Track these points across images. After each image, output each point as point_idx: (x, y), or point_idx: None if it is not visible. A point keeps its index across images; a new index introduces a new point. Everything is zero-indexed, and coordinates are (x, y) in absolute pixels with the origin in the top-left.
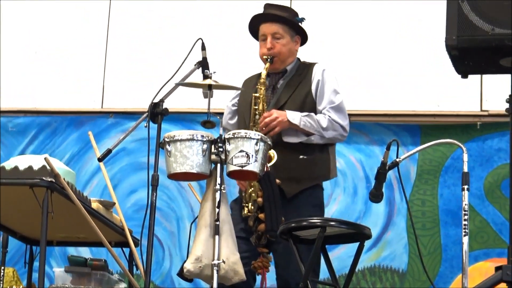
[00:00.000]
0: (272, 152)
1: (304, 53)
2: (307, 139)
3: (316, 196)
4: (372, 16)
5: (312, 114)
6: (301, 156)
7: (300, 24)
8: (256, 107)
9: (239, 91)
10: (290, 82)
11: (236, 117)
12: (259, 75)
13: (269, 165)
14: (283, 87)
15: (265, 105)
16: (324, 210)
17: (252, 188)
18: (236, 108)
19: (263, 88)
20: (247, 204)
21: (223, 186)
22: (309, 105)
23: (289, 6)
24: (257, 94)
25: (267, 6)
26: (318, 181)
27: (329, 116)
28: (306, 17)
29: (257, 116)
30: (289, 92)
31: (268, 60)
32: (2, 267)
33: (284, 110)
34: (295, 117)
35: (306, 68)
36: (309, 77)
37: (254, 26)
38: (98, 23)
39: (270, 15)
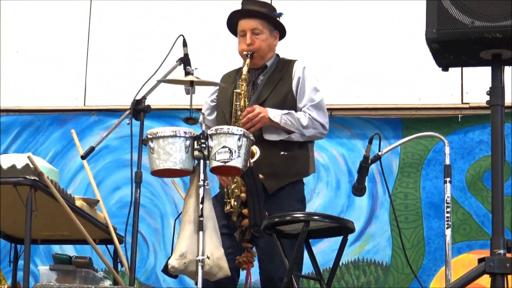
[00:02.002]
0: (255, 148)
1: (286, 49)
2: (287, 137)
3: (298, 190)
4: (354, 12)
5: (293, 112)
6: (282, 153)
7: (278, 19)
8: (238, 103)
9: (217, 87)
10: (270, 78)
11: (215, 113)
12: (238, 70)
13: (252, 161)
14: (264, 82)
15: (246, 101)
16: (306, 204)
17: (235, 184)
18: (215, 104)
19: (244, 84)
20: (229, 200)
21: (206, 182)
22: (289, 102)
23: (270, 3)
24: (238, 90)
25: (245, 1)
26: (298, 177)
27: (310, 115)
28: (287, 14)
29: (238, 112)
30: (270, 88)
31: (248, 56)
32: None
33: (265, 106)
34: (276, 115)
35: (286, 65)
36: (290, 74)
37: (233, 22)
38: (80, 20)
39: (249, 10)
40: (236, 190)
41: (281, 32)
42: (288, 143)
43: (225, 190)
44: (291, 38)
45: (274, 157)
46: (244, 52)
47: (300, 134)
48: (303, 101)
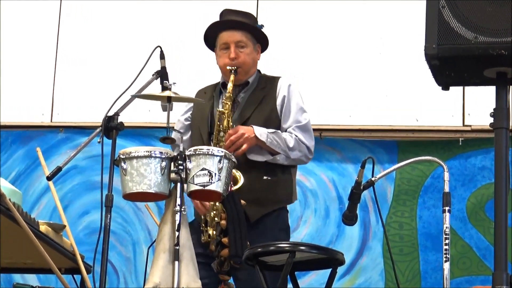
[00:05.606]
0: (239, 174)
1: (272, 64)
2: (272, 158)
3: (282, 219)
4: (347, 26)
5: (279, 132)
6: (265, 177)
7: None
8: (220, 123)
9: (192, 104)
10: (252, 95)
11: (189, 133)
12: (215, 86)
13: (235, 188)
14: (245, 100)
15: (230, 121)
16: (290, 234)
17: (215, 212)
18: (189, 122)
19: (229, 103)
20: (206, 229)
21: (183, 207)
22: (274, 121)
23: (255, 14)
24: (222, 109)
25: (226, 12)
26: (282, 204)
27: (296, 136)
28: (276, 29)
29: (221, 133)
30: (252, 106)
31: (233, 71)
32: None
33: (248, 125)
34: (262, 133)
35: (269, 82)
36: (274, 91)
37: (212, 34)
38: (47, 31)
39: (233, 21)
40: (216, 218)
41: (263, 45)
42: (272, 168)
43: (202, 217)
44: (280, 53)
45: (257, 182)
46: (228, 67)
47: (286, 156)
48: (288, 122)
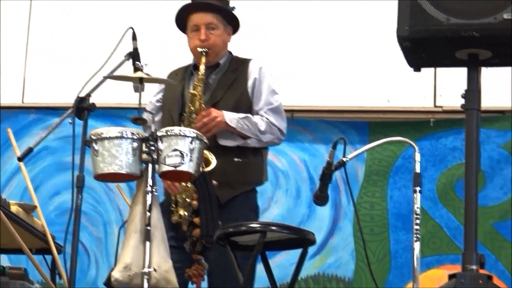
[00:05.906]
0: (211, 157)
1: (243, 47)
2: (243, 142)
3: (251, 199)
4: (315, 9)
5: (250, 116)
6: (235, 159)
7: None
8: (192, 105)
9: (163, 86)
10: (224, 78)
11: (160, 114)
12: (186, 68)
13: (207, 169)
14: (217, 82)
15: (202, 103)
16: (259, 214)
17: (187, 193)
18: (160, 104)
19: (201, 86)
20: (176, 209)
21: (154, 188)
22: (245, 103)
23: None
24: (193, 92)
25: None
26: (252, 185)
27: (267, 119)
28: (245, 7)
29: (193, 115)
30: (223, 88)
31: (203, 53)
32: None
33: (219, 107)
34: (232, 118)
35: (241, 64)
36: (245, 74)
37: (183, 16)
38: (19, 11)
39: (204, 3)
40: (188, 200)
41: (234, 27)
42: (243, 150)
43: (173, 198)
44: (250, 33)
45: (227, 165)
46: (199, 49)
47: (257, 139)
48: (259, 104)
